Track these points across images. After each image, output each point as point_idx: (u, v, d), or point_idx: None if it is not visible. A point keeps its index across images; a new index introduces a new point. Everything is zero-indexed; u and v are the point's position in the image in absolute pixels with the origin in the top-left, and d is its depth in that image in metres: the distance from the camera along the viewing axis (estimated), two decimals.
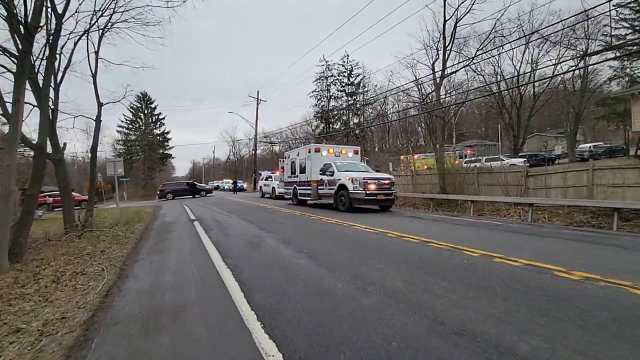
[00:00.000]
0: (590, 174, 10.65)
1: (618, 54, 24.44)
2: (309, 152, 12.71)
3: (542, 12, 32.71)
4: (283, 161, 16.33)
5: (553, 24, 19.76)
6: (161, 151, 43.11)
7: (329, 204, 11.40)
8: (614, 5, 23.04)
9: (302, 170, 12.87)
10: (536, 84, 27.18)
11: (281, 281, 3.69)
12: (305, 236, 6.18)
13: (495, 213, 11.09)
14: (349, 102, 33.09)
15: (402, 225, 7.34)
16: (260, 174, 24.74)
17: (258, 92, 28.62)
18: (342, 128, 32.35)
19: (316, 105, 35.07)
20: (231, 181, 33.33)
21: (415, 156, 23.76)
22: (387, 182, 10.46)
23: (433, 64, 16.13)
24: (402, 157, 26.54)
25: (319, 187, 11.97)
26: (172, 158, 46.29)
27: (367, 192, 10.05)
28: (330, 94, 35.25)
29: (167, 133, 44.66)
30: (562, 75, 26.82)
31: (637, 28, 21.39)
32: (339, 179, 10.70)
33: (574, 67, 24.56)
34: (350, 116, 32.76)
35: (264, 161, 49.74)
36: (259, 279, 3.82)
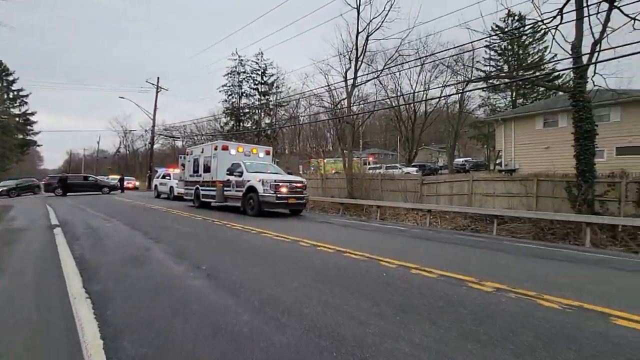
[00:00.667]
0: (470, 184, 12.19)
1: (485, 87, 29.71)
2: (216, 149, 11.38)
3: (434, 41, 36.89)
4: (184, 158, 14.36)
5: (440, 51, 22.44)
6: (21, 136, 34.24)
7: (236, 207, 10.51)
8: (484, 46, 28.06)
9: (207, 169, 11.51)
10: (427, 103, 30.50)
11: (166, 314, 2.82)
12: (205, 247, 5.29)
13: (395, 217, 11.92)
14: (262, 102, 31.75)
15: (315, 231, 7.01)
16: (157, 171, 21.44)
17: (158, 78, 24.92)
18: (254, 127, 30.84)
19: (226, 100, 32.84)
20: (117, 177, 28.19)
21: (324, 160, 24.01)
22: (299, 185, 10.00)
23: (345, 72, 16.51)
24: (311, 161, 27.33)
25: (226, 189, 10.89)
26: (38, 146, 38.05)
27: (279, 195, 9.42)
28: (242, 90, 33.55)
29: (31, 114, 36.03)
30: (446, 98, 31.08)
31: (498, 67, 26.20)
32: (248, 180, 9.83)
33: (454, 93, 29.01)
34: (262, 116, 31.46)
35: (163, 156, 44.33)
36: (134, 312, 2.87)
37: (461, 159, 42.26)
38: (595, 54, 8.87)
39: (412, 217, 11.17)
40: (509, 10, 24.90)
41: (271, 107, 31.19)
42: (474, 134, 31.52)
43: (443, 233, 7.95)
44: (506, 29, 26.15)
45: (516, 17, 26.26)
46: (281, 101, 31.22)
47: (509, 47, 27.25)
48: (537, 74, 23.52)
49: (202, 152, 12.32)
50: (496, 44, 26.91)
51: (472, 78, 29.18)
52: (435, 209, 10.91)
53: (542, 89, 27.55)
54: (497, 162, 32.16)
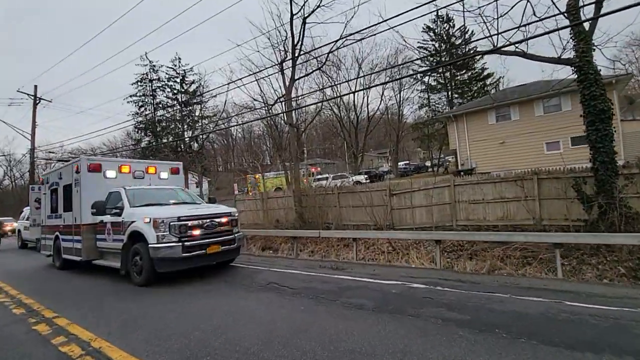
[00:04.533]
0: (452, 190, 10.07)
1: (423, 87, 28.81)
2: (78, 172, 7.27)
3: (369, 42, 35.97)
4: (40, 190, 9.04)
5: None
6: None
7: (119, 268, 6.79)
8: (417, 48, 27.17)
9: (68, 206, 7.60)
10: (369, 107, 29.13)
11: None
12: None
13: (374, 248, 9.28)
14: (183, 113, 26.53)
15: (261, 336, 3.76)
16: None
17: (35, 86, 18.31)
18: (176, 143, 25.31)
19: (137, 113, 26.55)
20: None
21: (262, 176, 20.10)
22: (225, 220, 6.71)
23: (281, 62, 12.80)
24: (248, 178, 24.09)
25: (99, 237, 7.21)
26: None
27: (188, 243, 6.04)
28: (158, 101, 27.68)
29: None
30: (385, 100, 29.91)
31: (434, 67, 25.34)
32: (132, 222, 6.24)
33: (395, 95, 27.84)
34: (185, 129, 26.10)
35: None
36: None
37: (402, 163, 42.63)
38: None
39: (413, 247, 8.43)
40: None
41: (196, 119, 25.84)
42: (417, 135, 30.00)
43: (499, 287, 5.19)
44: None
45: None
46: (209, 113, 26.36)
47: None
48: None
49: (61, 177, 7.61)
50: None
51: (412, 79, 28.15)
52: (447, 239, 7.66)
53: (475, 87, 27.54)
54: (443, 162, 32.69)
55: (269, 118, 20.00)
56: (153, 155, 23.98)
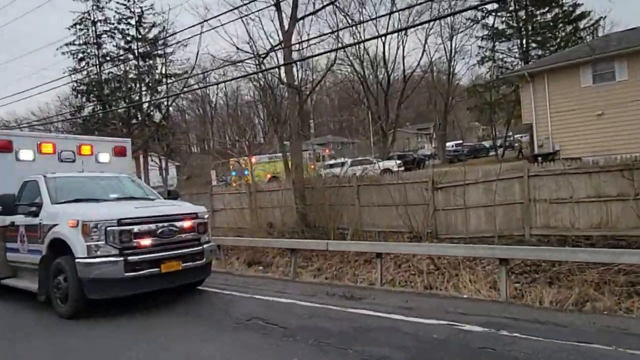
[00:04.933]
0: (525, 183, 9.98)
1: (485, 33, 27.89)
2: None
3: None
4: None
5: None
6: None
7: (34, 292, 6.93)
8: None
9: None
10: (405, 62, 29.55)
11: None
12: None
13: (408, 266, 9.24)
14: (141, 70, 26.58)
15: None
16: None
17: None
18: (130, 111, 25.46)
19: (76, 70, 26.72)
20: None
21: (253, 158, 20.39)
22: (189, 224, 6.81)
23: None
24: (232, 162, 24.32)
25: (9, 246, 7.31)
26: None
27: (134, 258, 6.07)
28: (105, 52, 27.79)
29: None
30: (429, 52, 29.34)
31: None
32: (53, 225, 6.27)
33: (444, 43, 27.15)
34: (144, 92, 26.28)
35: None
36: None
37: (451, 144, 42.33)
38: None
39: (467, 273, 8.16)
40: None
41: (157, 77, 25.95)
42: (474, 103, 29.45)
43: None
44: None
45: None
46: (172, 68, 26.56)
47: None
48: None
49: None
50: None
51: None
52: (518, 257, 7.97)
53: (563, 32, 26.44)
54: (512, 142, 31.69)
55: (260, 76, 19.81)
56: (99, 130, 24.13)
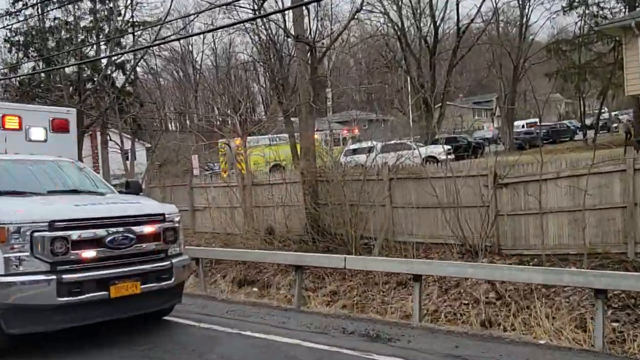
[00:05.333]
0: (629, 179, 9.98)
1: None
2: None
3: None
4: None
5: None
6: None
7: None
8: None
9: None
10: (459, 9, 29.48)
11: None
12: None
13: (458, 293, 9.55)
14: (98, 15, 27.72)
15: None
16: None
17: None
18: (81, 72, 25.67)
19: (9, 14, 28.03)
20: None
21: (249, 140, 21.37)
22: (151, 229, 6.78)
23: None
24: (221, 144, 24.63)
25: None
26: None
27: (72, 276, 6.00)
28: None
29: None
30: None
31: None
32: None
33: None
34: (102, 46, 27.50)
35: None
36: None
37: (521, 123, 41.70)
38: None
39: (543, 306, 8.28)
40: None
41: (120, 26, 26.81)
42: (555, 67, 29.04)
43: None
44: None
45: None
46: (141, 14, 26.97)
47: None
48: None
49: None
50: None
51: None
52: (620, 287, 7.59)
53: None
54: (607, 122, 30.81)
55: (260, 26, 19.58)
56: (41, 97, 24.28)
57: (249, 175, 15.91)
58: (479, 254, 10.47)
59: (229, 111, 25.17)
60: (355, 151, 23.93)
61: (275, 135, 26.70)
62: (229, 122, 24.65)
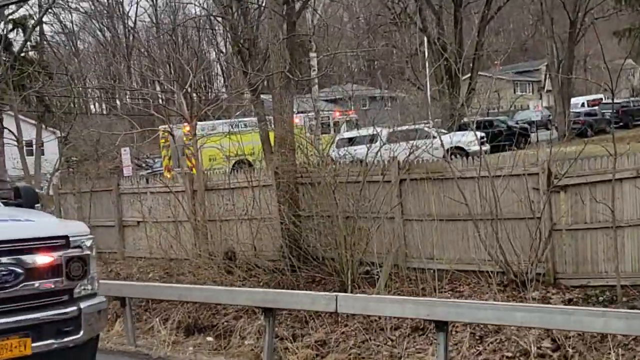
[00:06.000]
0: None
1: None
2: None
3: None
4: None
5: None
6: None
7: None
8: None
9: None
10: None
11: None
12: None
13: (499, 343, 9.78)
14: None
15: None
16: None
17: None
18: None
19: None
20: None
21: (200, 126, 21.64)
22: (46, 259, 6.78)
23: None
24: (163, 132, 25.22)
25: None
26: None
27: None
28: None
29: None
30: None
31: None
32: None
33: None
34: None
35: None
36: None
37: (580, 100, 41.85)
38: None
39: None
40: None
41: None
42: (627, 23, 29.15)
43: None
44: None
45: None
46: None
47: None
48: None
49: None
50: None
51: None
52: None
53: None
54: None
55: None
56: None
57: (200, 176, 15.94)
58: (527, 285, 10.40)
59: (174, 87, 24.96)
60: (351, 141, 24.01)
61: (239, 120, 26.89)
62: (175, 101, 24.60)
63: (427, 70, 34.29)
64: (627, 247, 10.34)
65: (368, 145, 18.16)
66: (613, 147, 10.45)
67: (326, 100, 44.34)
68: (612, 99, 29.75)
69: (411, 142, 17.44)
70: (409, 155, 13.60)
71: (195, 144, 18.11)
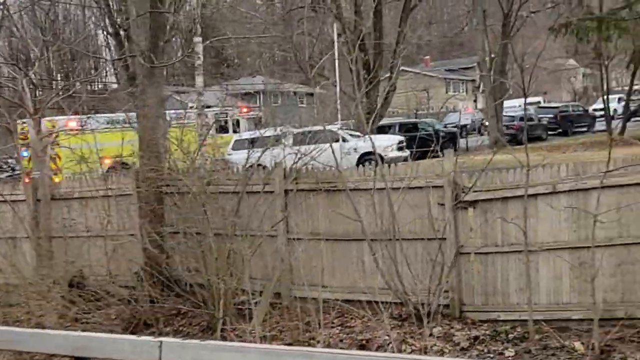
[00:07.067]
0: None
1: None
2: None
3: None
4: None
5: None
6: None
7: None
8: None
9: None
10: None
11: None
12: None
13: None
14: None
15: None
16: None
17: None
18: None
19: None
20: None
21: (54, 123, 21.83)
22: None
23: None
24: (21, 127, 25.09)
25: None
26: None
27: None
28: None
29: None
30: None
31: None
32: None
33: None
34: None
35: None
36: None
37: (516, 104, 42.67)
38: None
39: None
40: None
41: None
42: (565, 19, 29.71)
43: None
44: None
45: None
46: None
47: None
48: None
49: None
50: None
51: None
52: None
53: None
54: None
55: None
56: None
57: (45, 181, 15.46)
58: (428, 318, 10.09)
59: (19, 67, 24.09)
60: (253, 142, 23.56)
61: (108, 116, 26.57)
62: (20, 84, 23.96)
63: (337, 63, 33.94)
64: (542, 275, 10.47)
65: (271, 149, 18.01)
66: (527, 156, 10.30)
67: (232, 95, 43.83)
68: (541, 103, 29.97)
69: (319, 145, 17.31)
70: (296, 161, 13.46)
71: (41, 143, 17.63)
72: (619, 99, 36.85)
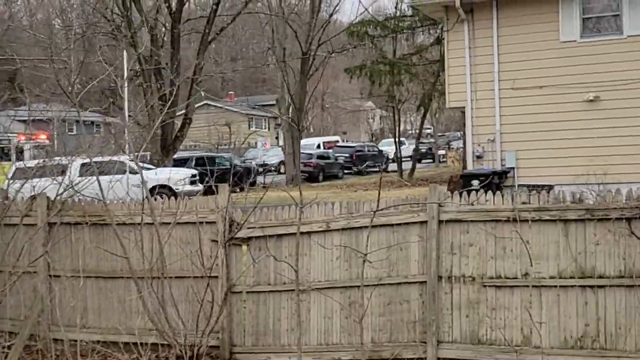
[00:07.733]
0: (431, 236, 10.38)
1: None
2: None
3: None
4: None
5: None
6: None
7: None
8: None
9: None
10: None
11: None
12: None
13: None
14: None
15: None
16: None
17: None
18: None
19: None
20: None
21: None
22: None
23: None
24: None
25: None
26: None
27: None
28: None
29: None
30: None
31: None
32: None
33: None
34: None
35: None
36: None
37: (313, 142, 43.52)
38: None
39: None
40: None
41: None
42: (360, 60, 30.46)
43: None
44: None
45: None
46: None
47: None
48: None
49: None
50: None
51: None
52: None
53: None
54: (439, 143, 32.54)
55: None
56: None
57: None
58: None
59: None
60: (38, 172, 22.85)
61: None
62: None
63: (126, 92, 32.87)
64: (313, 314, 10.47)
65: (54, 178, 17.23)
66: (300, 194, 10.28)
67: (22, 121, 41.94)
68: (338, 142, 30.64)
69: (109, 177, 16.77)
70: (61, 192, 12.81)
71: None
72: (400, 142, 38.47)
